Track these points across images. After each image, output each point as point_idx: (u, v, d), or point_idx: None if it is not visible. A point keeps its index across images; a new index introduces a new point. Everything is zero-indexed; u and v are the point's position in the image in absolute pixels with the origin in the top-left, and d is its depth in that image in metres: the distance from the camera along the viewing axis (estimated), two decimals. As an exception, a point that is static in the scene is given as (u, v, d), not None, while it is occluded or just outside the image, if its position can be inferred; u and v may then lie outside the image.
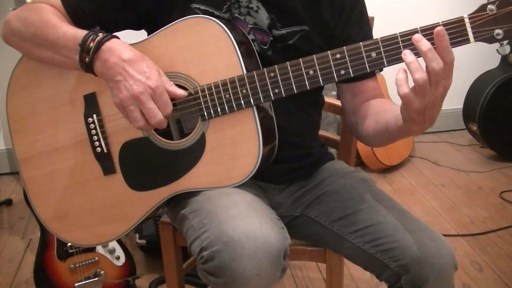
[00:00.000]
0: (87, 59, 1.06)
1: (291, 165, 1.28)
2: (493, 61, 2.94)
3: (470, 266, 2.06)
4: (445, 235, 2.06)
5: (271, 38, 1.17)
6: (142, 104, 1.03)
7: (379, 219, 1.15)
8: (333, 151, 1.57)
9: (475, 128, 2.93)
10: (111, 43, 1.05)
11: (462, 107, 3.05)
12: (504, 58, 2.90)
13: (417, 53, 0.94)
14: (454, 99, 3.06)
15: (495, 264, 2.06)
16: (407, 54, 0.94)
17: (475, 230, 2.31)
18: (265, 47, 1.18)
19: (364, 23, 1.24)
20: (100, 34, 1.06)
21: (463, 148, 3.19)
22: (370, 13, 1.26)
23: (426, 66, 0.93)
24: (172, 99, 1.07)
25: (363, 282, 1.97)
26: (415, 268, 1.07)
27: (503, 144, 2.96)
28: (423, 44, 0.92)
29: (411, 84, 0.95)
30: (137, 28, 1.22)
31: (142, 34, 1.19)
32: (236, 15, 1.16)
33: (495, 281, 1.97)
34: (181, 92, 1.07)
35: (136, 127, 1.07)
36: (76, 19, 1.15)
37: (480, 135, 2.92)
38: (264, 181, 1.26)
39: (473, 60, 3.11)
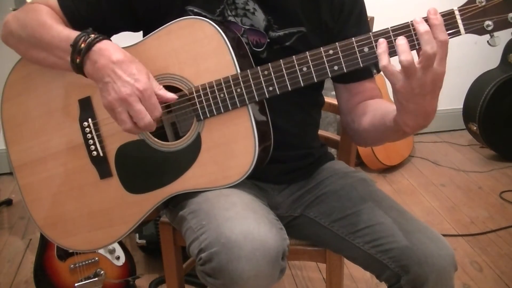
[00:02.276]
0: (78, 60, 1.06)
1: (290, 165, 1.27)
2: (493, 61, 2.93)
3: (470, 266, 2.06)
4: (445, 235, 2.06)
5: (268, 40, 1.17)
6: (130, 106, 1.03)
7: (378, 220, 1.15)
8: (333, 151, 1.57)
9: (475, 128, 2.92)
10: (101, 44, 1.05)
11: (462, 107, 3.04)
12: (504, 58, 2.90)
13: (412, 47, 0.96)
14: (454, 99, 3.08)
15: (495, 264, 2.06)
16: (398, 38, 0.96)
17: (475, 230, 2.31)
18: (260, 49, 1.18)
19: (363, 24, 1.23)
20: (92, 35, 1.06)
21: (463, 148, 3.19)
22: (370, 13, 1.26)
23: (420, 49, 0.94)
24: (167, 102, 1.07)
25: (363, 282, 1.97)
26: (415, 268, 1.07)
27: (503, 144, 2.95)
28: (421, 26, 0.94)
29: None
30: (134, 30, 1.22)
31: (140, 36, 1.19)
32: (231, 17, 1.16)
33: (495, 281, 1.97)
34: (171, 95, 1.07)
35: (124, 130, 1.06)
36: (73, 21, 1.15)
37: (480, 135, 2.92)
38: (263, 182, 1.26)
39: (473, 60, 3.11)
